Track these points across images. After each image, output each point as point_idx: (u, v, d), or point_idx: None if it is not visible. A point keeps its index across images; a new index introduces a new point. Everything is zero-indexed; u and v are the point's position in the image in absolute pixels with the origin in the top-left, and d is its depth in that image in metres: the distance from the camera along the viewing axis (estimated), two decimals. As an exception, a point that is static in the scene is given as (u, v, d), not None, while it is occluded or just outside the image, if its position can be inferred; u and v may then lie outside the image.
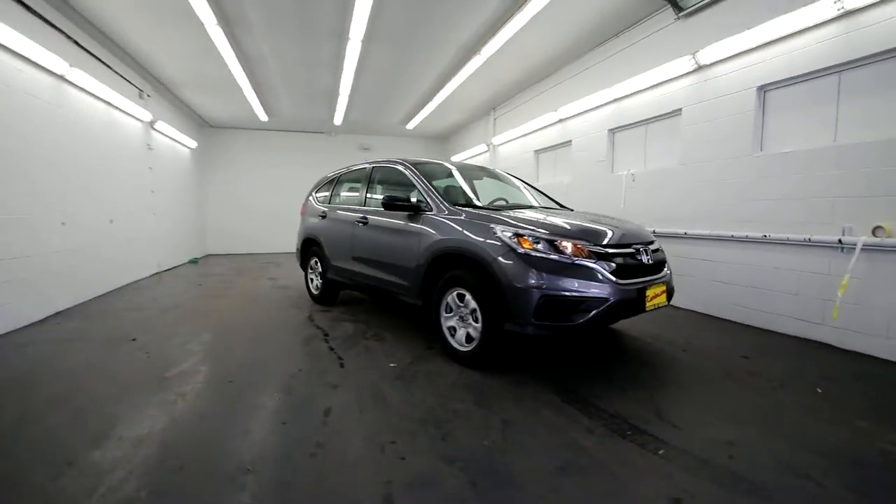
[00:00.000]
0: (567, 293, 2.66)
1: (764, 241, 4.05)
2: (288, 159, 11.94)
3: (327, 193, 5.31)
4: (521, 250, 2.77)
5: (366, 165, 4.69)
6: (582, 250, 2.78)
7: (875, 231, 3.29)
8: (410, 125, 11.01)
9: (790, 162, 3.88)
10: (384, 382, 2.84)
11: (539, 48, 6.27)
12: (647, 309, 2.89)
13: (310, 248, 5.38)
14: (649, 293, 2.89)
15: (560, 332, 2.73)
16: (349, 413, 2.41)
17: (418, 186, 3.74)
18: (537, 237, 2.79)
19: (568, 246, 2.77)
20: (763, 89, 4.12)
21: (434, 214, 3.44)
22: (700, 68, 4.66)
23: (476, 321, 2.99)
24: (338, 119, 10.21)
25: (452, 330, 3.22)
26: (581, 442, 2.12)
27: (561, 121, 7.21)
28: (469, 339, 3.08)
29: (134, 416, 2.35)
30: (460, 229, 3.16)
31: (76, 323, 4.31)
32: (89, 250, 5.39)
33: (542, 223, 2.96)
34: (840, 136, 3.59)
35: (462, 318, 3.13)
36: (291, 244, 12.65)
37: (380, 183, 4.47)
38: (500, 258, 2.80)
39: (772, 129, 4.12)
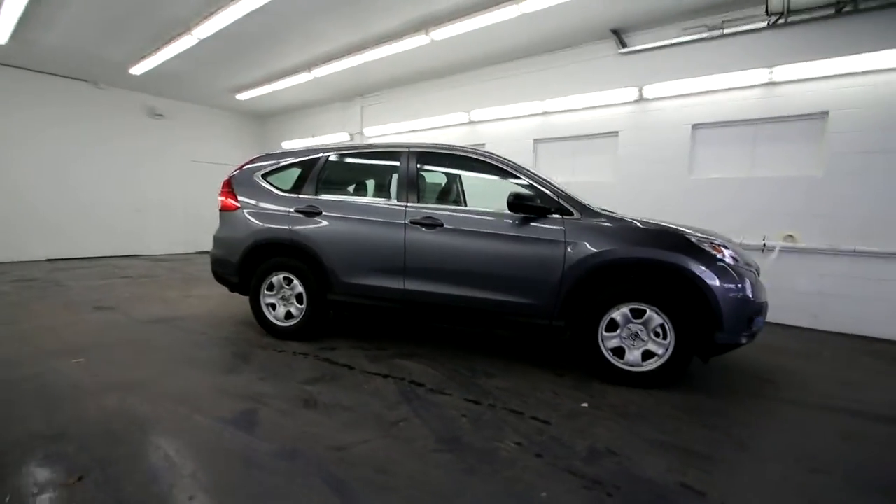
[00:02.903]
0: (762, 299, 2.82)
1: (702, 245, 5.23)
2: (24, 113, 7.50)
3: (303, 182, 3.68)
4: (720, 258, 2.74)
5: (398, 150, 3.50)
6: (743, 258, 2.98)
7: (786, 238, 4.80)
8: (244, 95, 8.68)
9: (719, 185, 5.16)
10: (632, 434, 2.27)
11: (465, 47, 6.07)
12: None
13: (267, 259, 3.62)
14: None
15: (753, 338, 2.85)
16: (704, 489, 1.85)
17: (542, 187, 3.12)
18: (726, 245, 2.82)
19: (741, 253, 2.92)
20: (696, 127, 5.31)
21: (577, 220, 2.97)
22: (642, 100, 5.58)
23: (660, 336, 2.78)
24: (143, 67, 7.05)
25: (616, 351, 2.87)
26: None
27: (472, 122, 7.19)
28: (647, 356, 2.82)
29: None
30: (623, 238, 2.88)
31: None
32: None
33: (704, 231, 3.01)
34: (755, 171, 5.03)
35: (636, 336, 2.83)
36: (35, 249, 7.77)
37: (441, 174, 3.50)
38: (708, 269, 2.69)
39: (699, 159, 5.36)
